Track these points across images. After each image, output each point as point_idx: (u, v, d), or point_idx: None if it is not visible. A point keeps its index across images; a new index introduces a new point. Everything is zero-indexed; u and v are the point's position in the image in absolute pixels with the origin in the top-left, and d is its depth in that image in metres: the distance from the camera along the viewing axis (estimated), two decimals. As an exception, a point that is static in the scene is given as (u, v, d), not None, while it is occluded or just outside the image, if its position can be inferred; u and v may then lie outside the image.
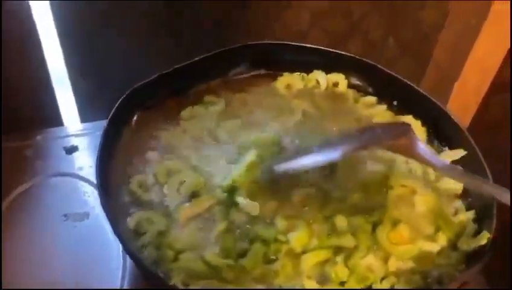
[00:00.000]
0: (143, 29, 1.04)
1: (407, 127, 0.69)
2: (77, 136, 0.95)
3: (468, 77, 1.26)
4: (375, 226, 0.68)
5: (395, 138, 0.67)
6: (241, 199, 0.68)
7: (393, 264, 0.65)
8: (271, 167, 0.69)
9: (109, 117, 0.74)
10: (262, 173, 0.69)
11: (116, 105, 0.75)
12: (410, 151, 0.67)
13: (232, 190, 0.70)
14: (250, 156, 0.72)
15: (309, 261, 0.63)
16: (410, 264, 0.65)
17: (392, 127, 0.73)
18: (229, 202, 0.70)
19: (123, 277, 0.72)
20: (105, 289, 0.71)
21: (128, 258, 0.73)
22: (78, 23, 1.00)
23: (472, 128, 1.32)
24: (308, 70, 0.91)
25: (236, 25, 1.09)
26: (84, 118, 1.13)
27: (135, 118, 0.79)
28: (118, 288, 0.71)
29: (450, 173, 0.68)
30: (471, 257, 0.66)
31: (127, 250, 0.59)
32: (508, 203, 0.60)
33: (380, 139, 0.68)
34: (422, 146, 0.67)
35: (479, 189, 0.68)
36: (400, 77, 0.87)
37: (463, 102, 1.31)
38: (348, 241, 0.66)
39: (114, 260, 0.74)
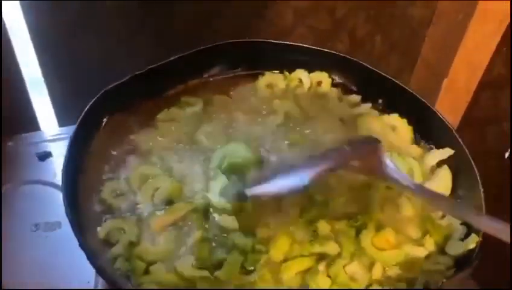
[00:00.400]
0: (119, 30, 1.01)
1: (376, 144, 0.66)
2: (52, 142, 0.91)
3: (457, 73, 1.23)
4: (358, 232, 0.65)
5: (363, 157, 0.65)
6: (217, 215, 0.65)
7: (378, 272, 0.62)
8: (242, 191, 0.65)
9: (78, 121, 0.70)
10: (233, 197, 0.66)
11: (86, 108, 0.71)
12: (378, 172, 0.64)
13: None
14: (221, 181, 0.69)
15: (290, 270, 0.60)
16: (395, 271, 0.62)
17: (361, 145, 0.69)
18: (206, 210, 0.66)
19: (95, 291, 0.69)
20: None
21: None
22: (51, 24, 0.96)
23: (462, 126, 1.30)
24: (290, 69, 0.88)
25: (218, 23, 1.06)
26: (62, 123, 1.10)
27: (107, 121, 0.75)
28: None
29: (423, 196, 0.65)
30: (461, 262, 0.63)
31: (92, 263, 0.55)
32: (484, 230, 0.59)
33: (348, 159, 0.65)
34: (393, 166, 0.65)
35: (454, 214, 0.65)
36: (384, 74, 0.84)
37: (452, 99, 1.29)
38: (331, 248, 0.63)
39: (87, 272, 0.71)
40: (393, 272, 0.62)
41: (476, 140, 1.36)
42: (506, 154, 1.31)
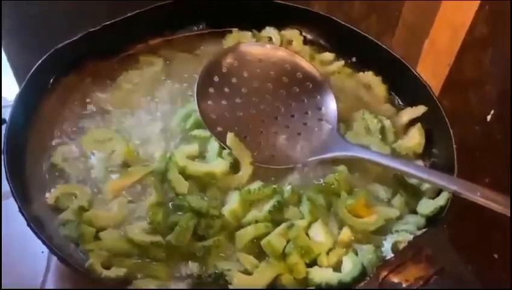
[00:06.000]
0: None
1: None
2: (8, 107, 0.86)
3: (438, 34, 1.19)
4: (326, 197, 0.61)
5: None
6: (172, 175, 0.61)
7: (347, 235, 0.58)
8: None
9: (24, 82, 0.65)
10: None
11: (34, 69, 0.66)
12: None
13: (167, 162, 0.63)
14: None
15: (245, 236, 0.56)
16: (364, 234, 0.59)
17: None
18: (164, 173, 0.62)
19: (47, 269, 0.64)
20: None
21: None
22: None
23: (444, 89, 1.27)
24: (260, 26, 0.83)
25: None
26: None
27: (59, 82, 0.70)
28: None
29: (393, 166, 0.62)
30: (432, 221, 0.60)
31: (32, 229, 0.51)
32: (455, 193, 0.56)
33: None
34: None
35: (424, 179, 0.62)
36: (358, 30, 0.79)
37: (434, 62, 1.24)
38: (292, 214, 0.59)
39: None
40: (362, 235, 0.59)
41: (458, 103, 1.33)
42: (489, 117, 1.28)
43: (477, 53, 1.28)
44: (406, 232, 0.57)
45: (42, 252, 0.66)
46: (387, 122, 0.70)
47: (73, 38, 0.70)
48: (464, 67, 1.28)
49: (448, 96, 1.21)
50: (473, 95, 1.34)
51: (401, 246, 0.55)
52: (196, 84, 0.68)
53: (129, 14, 0.75)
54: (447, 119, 0.67)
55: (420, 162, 0.68)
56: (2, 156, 0.56)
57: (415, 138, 0.68)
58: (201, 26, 0.81)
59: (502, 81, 1.23)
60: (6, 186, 0.71)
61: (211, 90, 0.69)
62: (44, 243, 0.51)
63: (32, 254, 0.66)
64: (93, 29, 0.72)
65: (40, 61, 0.67)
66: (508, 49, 1.18)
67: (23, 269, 0.65)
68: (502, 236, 1.01)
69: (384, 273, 0.50)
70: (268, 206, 0.58)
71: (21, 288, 0.62)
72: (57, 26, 0.92)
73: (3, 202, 0.70)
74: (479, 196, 0.54)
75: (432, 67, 1.26)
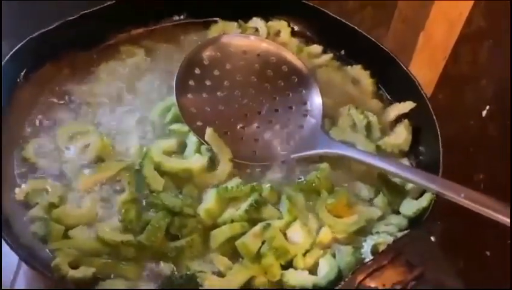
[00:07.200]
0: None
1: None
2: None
3: (434, 27, 1.16)
4: (307, 196, 0.59)
5: None
6: (147, 171, 0.58)
7: (326, 235, 0.56)
8: None
9: (-4, 71, 0.62)
10: None
11: (6, 58, 0.64)
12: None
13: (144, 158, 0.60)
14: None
15: (220, 236, 0.54)
16: (343, 234, 0.57)
17: None
18: (138, 169, 0.60)
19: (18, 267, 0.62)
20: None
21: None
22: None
23: (440, 83, 1.24)
24: (246, 17, 0.80)
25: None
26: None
27: (34, 72, 0.68)
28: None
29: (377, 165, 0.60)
30: (415, 223, 0.58)
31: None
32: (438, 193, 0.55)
33: None
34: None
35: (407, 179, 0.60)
36: (347, 23, 0.77)
37: (430, 55, 1.21)
38: (269, 213, 0.57)
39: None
40: (342, 235, 0.57)
41: (453, 98, 1.31)
42: (484, 113, 1.26)
43: (473, 47, 1.25)
44: (386, 233, 0.55)
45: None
46: (373, 118, 0.68)
47: (50, 27, 0.68)
48: (460, 61, 1.25)
49: (443, 90, 1.18)
50: (469, 90, 1.31)
51: (381, 249, 0.53)
52: (176, 77, 0.66)
53: (109, 3, 0.72)
54: (435, 117, 0.65)
55: (406, 161, 0.66)
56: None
57: (401, 135, 0.66)
58: (184, 15, 0.78)
59: (498, 76, 1.21)
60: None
61: (191, 82, 0.67)
62: (8, 244, 0.49)
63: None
64: (71, 18, 0.69)
65: (14, 50, 0.65)
66: (505, 43, 1.15)
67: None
68: (494, 233, 0.99)
69: (361, 277, 0.48)
70: (245, 205, 0.56)
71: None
72: (38, 15, 0.90)
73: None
74: (463, 197, 0.52)
75: (427, 61, 1.23)
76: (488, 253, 1.05)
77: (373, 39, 0.75)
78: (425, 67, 1.23)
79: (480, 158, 1.17)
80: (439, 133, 0.63)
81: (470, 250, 0.99)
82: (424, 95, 0.68)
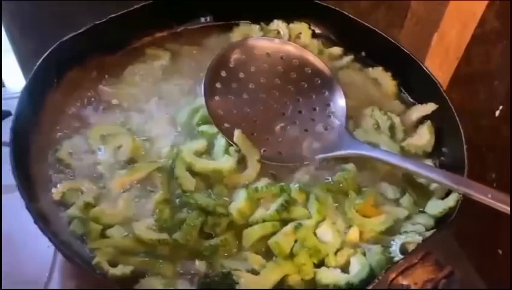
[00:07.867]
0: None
1: None
2: (14, 99, 0.85)
3: (447, 27, 1.17)
4: (335, 196, 0.61)
5: None
6: (179, 172, 0.60)
7: (355, 235, 0.58)
8: None
9: (30, 76, 0.64)
10: None
11: (39, 61, 0.65)
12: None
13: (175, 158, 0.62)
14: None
15: (252, 235, 0.56)
16: (372, 234, 0.58)
17: None
18: (171, 170, 0.61)
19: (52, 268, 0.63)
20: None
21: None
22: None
23: (453, 83, 1.25)
24: (268, 19, 0.82)
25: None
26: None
27: (64, 75, 0.69)
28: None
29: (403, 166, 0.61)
30: (441, 222, 0.59)
31: (39, 226, 0.51)
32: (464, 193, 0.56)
33: None
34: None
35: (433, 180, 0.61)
36: (367, 25, 0.78)
37: (443, 55, 1.23)
38: (300, 213, 0.58)
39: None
40: (370, 235, 0.59)
41: (466, 98, 1.32)
42: (497, 113, 1.27)
43: (486, 47, 1.26)
44: (414, 233, 0.57)
45: (48, 246, 0.65)
46: (396, 120, 0.69)
47: (79, 31, 0.69)
48: (473, 61, 1.26)
49: (456, 90, 1.19)
50: (482, 90, 1.32)
51: (409, 248, 0.55)
52: (204, 79, 0.67)
53: (135, 7, 0.73)
54: (457, 118, 0.66)
55: (429, 161, 0.67)
56: (10, 153, 0.56)
57: (424, 136, 0.67)
58: (208, 18, 0.79)
59: (511, 76, 1.21)
60: (6, 180, 0.71)
61: (218, 85, 0.68)
62: (51, 240, 0.51)
63: (36, 251, 0.65)
64: (99, 21, 0.71)
65: (46, 54, 0.66)
66: (519, 44, 1.16)
67: (27, 267, 0.64)
68: (506, 232, 1.00)
69: (393, 275, 0.49)
70: (275, 205, 0.58)
71: (24, 288, 0.61)
72: (65, 17, 0.91)
73: (3, 196, 0.70)
74: (490, 197, 0.53)
75: (441, 61, 1.24)
76: (500, 251, 1.06)
77: (394, 41, 0.76)
78: (437, 67, 1.24)
79: (492, 157, 1.18)
80: (462, 134, 0.64)
81: (482, 248, 1.01)
82: (446, 96, 0.69)
